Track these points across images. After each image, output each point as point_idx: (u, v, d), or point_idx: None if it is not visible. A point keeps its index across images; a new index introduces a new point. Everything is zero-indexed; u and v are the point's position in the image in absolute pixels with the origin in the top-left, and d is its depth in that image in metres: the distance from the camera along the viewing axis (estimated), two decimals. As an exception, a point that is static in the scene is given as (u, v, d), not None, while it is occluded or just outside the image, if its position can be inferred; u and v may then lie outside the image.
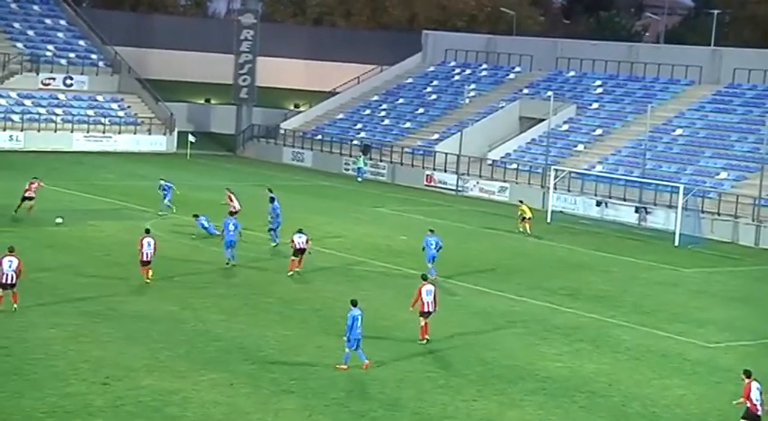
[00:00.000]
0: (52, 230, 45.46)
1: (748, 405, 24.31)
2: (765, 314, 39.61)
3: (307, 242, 40.06)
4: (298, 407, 25.51)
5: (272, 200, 46.58)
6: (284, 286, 38.32)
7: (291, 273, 40.05)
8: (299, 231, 40.36)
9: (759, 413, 24.28)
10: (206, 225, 46.52)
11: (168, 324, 32.09)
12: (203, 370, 27.82)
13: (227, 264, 40.70)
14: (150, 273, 37.21)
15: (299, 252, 39.94)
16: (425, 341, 31.62)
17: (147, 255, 36.91)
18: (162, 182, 52.48)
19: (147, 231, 38.29)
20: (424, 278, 32.49)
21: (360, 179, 73.91)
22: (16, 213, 47.98)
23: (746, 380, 24.63)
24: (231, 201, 50.24)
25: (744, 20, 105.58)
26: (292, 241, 40.09)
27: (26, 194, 48.47)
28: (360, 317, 28.41)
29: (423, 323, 31.60)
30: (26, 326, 30.89)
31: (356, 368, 28.54)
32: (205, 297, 35.78)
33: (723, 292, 43.30)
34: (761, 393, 24.59)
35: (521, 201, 55.63)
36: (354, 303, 28.78)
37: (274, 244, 45.20)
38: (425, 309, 31.44)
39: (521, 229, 53.60)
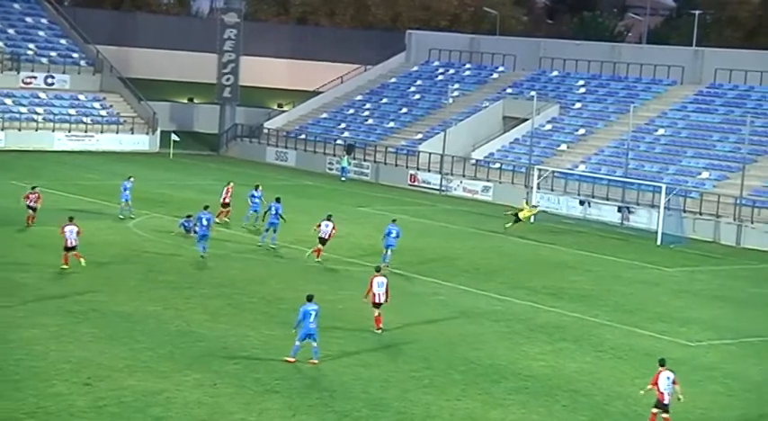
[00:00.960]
0: (35, 230, 45.30)
1: (657, 393, 24.82)
2: (747, 313, 39.80)
3: (332, 231, 42.34)
4: (282, 407, 25.51)
5: (277, 200, 46.45)
6: (267, 287, 38.31)
7: (319, 259, 42.45)
8: (328, 218, 42.70)
9: (666, 402, 24.84)
10: (188, 226, 46.57)
11: (151, 324, 32.03)
12: (187, 370, 27.78)
13: (202, 257, 41.29)
14: (83, 260, 38.50)
15: (323, 241, 42.23)
16: (381, 331, 32.39)
17: (70, 241, 38.55)
18: (126, 182, 51.89)
19: (71, 219, 39.51)
20: (378, 270, 33.27)
21: (344, 179, 73.90)
22: (29, 226, 45.83)
23: (659, 369, 25.15)
24: (227, 193, 50.74)
25: (725, 20, 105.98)
26: (318, 226, 42.16)
27: (29, 204, 46.10)
28: (314, 313, 28.57)
29: (376, 314, 32.43)
30: (8, 326, 30.77)
31: (302, 362, 28.58)
32: (188, 297, 35.72)
33: (705, 291, 43.48)
34: (672, 383, 25.12)
35: (525, 202, 56.05)
36: (310, 298, 28.96)
37: (261, 244, 45.30)
38: (376, 301, 32.39)
39: (506, 225, 53.71)
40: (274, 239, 45.06)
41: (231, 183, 52.14)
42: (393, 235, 41.84)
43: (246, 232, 48.44)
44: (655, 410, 25.10)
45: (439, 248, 47.31)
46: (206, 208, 42.90)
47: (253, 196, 49.85)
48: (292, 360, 28.60)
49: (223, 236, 47.36)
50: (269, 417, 24.78)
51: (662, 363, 25.29)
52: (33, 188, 47.43)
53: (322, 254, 42.83)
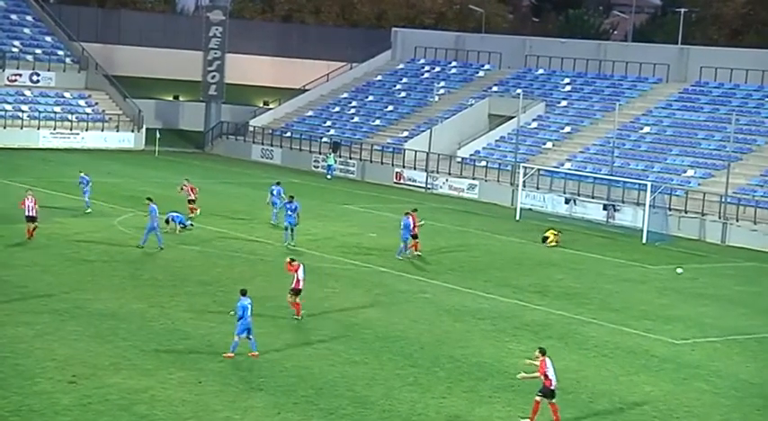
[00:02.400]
0: (20, 228, 45.12)
1: (544, 380, 24.95)
2: (732, 311, 39.89)
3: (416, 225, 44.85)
4: (267, 405, 25.46)
5: (291, 198, 46.78)
6: (253, 284, 38.18)
7: (418, 253, 44.91)
8: (413, 211, 45.57)
9: (553, 388, 25.02)
10: (179, 220, 46.83)
11: (136, 322, 31.95)
12: (171, 368, 27.71)
13: (139, 247, 42.46)
14: (34, 232, 41.94)
15: (414, 236, 44.83)
16: (302, 317, 33.08)
17: (29, 209, 42.09)
18: (81, 175, 51.86)
19: (28, 191, 43.27)
20: (292, 258, 34.20)
21: (329, 176, 73.86)
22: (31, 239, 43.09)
23: (542, 357, 25.22)
24: (192, 192, 50.85)
25: (710, 18, 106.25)
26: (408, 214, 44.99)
27: (28, 213, 43.10)
28: (249, 307, 28.93)
29: (297, 300, 33.15)
30: (-8, 324, 30.70)
31: (242, 354, 28.54)
32: (173, 295, 35.64)
33: (690, 289, 43.56)
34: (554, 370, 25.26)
35: (552, 229, 52.68)
36: (244, 292, 29.32)
37: (287, 243, 45.47)
38: (299, 287, 33.20)
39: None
40: (287, 237, 45.74)
41: (186, 180, 52.11)
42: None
43: (237, 232, 48.36)
44: (539, 398, 25.07)
45: (426, 246, 47.24)
46: (150, 199, 43.46)
47: (281, 203, 49.57)
48: (231, 355, 28.80)
49: (210, 235, 47.30)
50: (254, 415, 24.73)
51: (543, 352, 25.40)
52: (29, 192, 44.78)
53: (418, 247, 45.27)
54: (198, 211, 50.50)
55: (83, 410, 24.23)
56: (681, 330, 35.95)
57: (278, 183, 52.72)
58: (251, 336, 28.99)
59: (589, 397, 28.00)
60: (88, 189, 50.90)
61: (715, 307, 40.33)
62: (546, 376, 24.92)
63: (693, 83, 73.21)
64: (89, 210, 50.27)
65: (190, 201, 50.67)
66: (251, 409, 25.07)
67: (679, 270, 29.51)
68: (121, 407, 24.56)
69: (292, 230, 45.61)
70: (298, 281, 33.30)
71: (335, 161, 75.31)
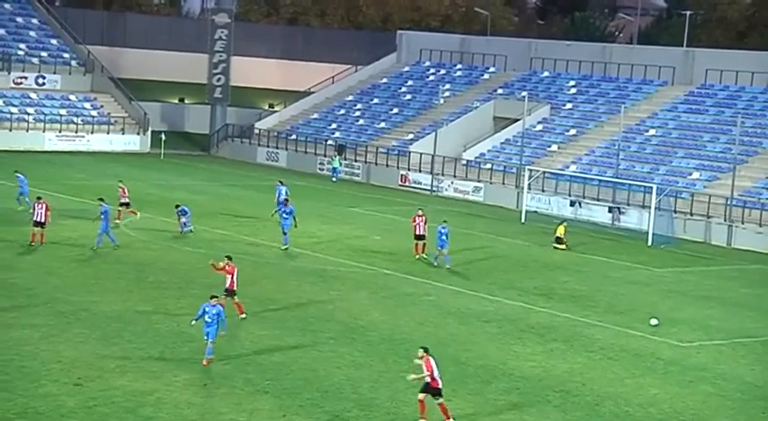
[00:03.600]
0: (26, 231, 45.18)
1: (429, 380, 24.81)
2: (737, 313, 39.85)
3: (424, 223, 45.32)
4: (272, 408, 25.47)
5: (281, 182, 47.24)
6: (259, 287, 38.26)
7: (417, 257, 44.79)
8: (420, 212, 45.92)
9: (440, 387, 24.94)
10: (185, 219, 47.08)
11: (142, 324, 31.98)
12: (177, 370, 27.73)
13: (93, 248, 42.32)
14: (44, 239, 41.94)
15: (419, 237, 45.33)
16: (245, 316, 33.16)
17: (38, 215, 42.09)
18: (18, 175, 51.71)
19: (39, 198, 43.10)
20: (230, 258, 33.71)
21: (335, 179, 73.90)
22: (33, 245, 42.42)
23: (426, 356, 24.93)
24: (124, 193, 49.85)
25: (715, 21, 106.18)
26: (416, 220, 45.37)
27: (36, 219, 42.45)
28: (220, 314, 28.35)
29: (237, 300, 33.26)
30: (-2, 326, 30.75)
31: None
32: (179, 297, 35.67)
33: (695, 292, 43.53)
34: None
35: (563, 222, 52.67)
36: (214, 296, 28.98)
37: (285, 246, 45.16)
38: (233, 288, 33.22)
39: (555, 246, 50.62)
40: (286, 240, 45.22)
41: (120, 183, 50.65)
42: (444, 237, 43.62)
43: (242, 234, 48.37)
44: (422, 396, 24.84)
45: (430, 249, 47.20)
46: (101, 200, 43.71)
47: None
48: (206, 363, 28.21)
49: (215, 237, 47.34)
50: (259, 418, 24.75)
51: (426, 350, 25.16)
52: (39, 198, 43.79)
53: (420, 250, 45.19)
54: (137, 215, 49.72)
55: (88, 412, 24.26)
56: (686, 333, 35.92)
57: (281, 182, 52.98)
58: (211, 343, 28.29)
59: (594, 399, 27.98)
60: (25, 188, 50.83)
61: (720, 309, 40.30)
62: (432, 377, 24.77)
63: (699, 85, 73.16)
64: (24, 209, 48.85)
65: (122, 205, 49.10)
66: (256, 412, 25.09)
67: (653, 321, 27.85)
68: (127, 410, 24.58)
69: (285, 233, 45.25)
70: (232, 282, 33.09)
71: (341, 164, 75.36)
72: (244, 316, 33.12)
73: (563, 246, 50.74)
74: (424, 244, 45.35)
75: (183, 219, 47.05)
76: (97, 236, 42.63)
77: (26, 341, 29.41)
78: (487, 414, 26.21)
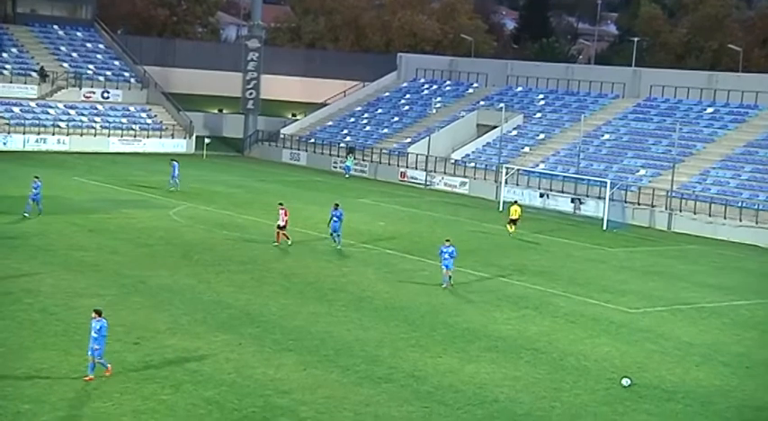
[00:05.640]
0: (94, 217, 45.27)
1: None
2: (676, 285, 39.82)
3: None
4: (295, 362, 25.49)
5: (335, 206, 41.58)
6: (283, 264, 38.27)
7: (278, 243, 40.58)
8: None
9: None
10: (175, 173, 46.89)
11: (188, 294, 32.00)
12: (217, 332, 27.76)
13: (25, 216, 42.48)
14: (39, 212, 42.31)
15: (513, 222, 45.65)
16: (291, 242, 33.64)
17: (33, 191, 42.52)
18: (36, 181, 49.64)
19: (36, 177, 43.36)
20: (281, 204, 34.70)
21: (347, 176, 73.77)
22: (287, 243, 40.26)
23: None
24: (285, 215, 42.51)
25: (658, 45, 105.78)
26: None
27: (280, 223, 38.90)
28: (102, 328, 22.97)
29: (284, 232, 34.50)
30: (72, 296, 30.76)
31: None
32: (218, 272, 35.67)
33: (642, 268, 43.49)
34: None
35: (515, 202, 50.23)
36: (99, 313, 23.28)
37: (336, 245, 41.15)
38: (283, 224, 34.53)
39: (509, 231, 48.20)
40: (337, 242, 41.24)
41: (281, 205, 42.05)
42: (447, 255, 35.10)
43: (270, 220, 48.42)
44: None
45: (425, 233, 47.24)
46: (36, 177, 43.79)
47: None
48: (89, 378, 22.84)
49: (247, 223, 47.30)
50: (285, 371, 24.78)
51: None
52: (280, 205, 40.46)
53: (282, 237, 40.60)
54: (290, 241, 41.15)
55: (145, 366, 24.31)
56: (634, 301, 35.91)
57: (173, 160, 52.12)
58: (98, 359, 22.87)
59: (559, 355, 28.00)
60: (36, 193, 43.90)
61: (662, 282, 40.27)
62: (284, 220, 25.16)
63: (645, 98, 72.97)
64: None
65: (280, 228, 41.33)
66: (282, 366, 25.12)
67: (625, 382, 23.94)
68: (176, 364, 24.63)
69: (278, 233, 40.85)
70: (285, 220, 35.06)
71: (353, 163, 75.20)
72: (290, 242, 35.07)
73: (512, 229, 47.78)
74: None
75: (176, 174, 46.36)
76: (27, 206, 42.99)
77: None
78: (471, 367, 26.24)
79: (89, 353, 22.93)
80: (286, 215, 40.74)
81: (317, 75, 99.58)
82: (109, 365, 23.29)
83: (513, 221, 48.87)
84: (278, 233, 40.76)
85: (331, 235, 41.56)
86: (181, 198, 53.24)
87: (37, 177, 44.85)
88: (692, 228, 55.86)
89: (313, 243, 42.71)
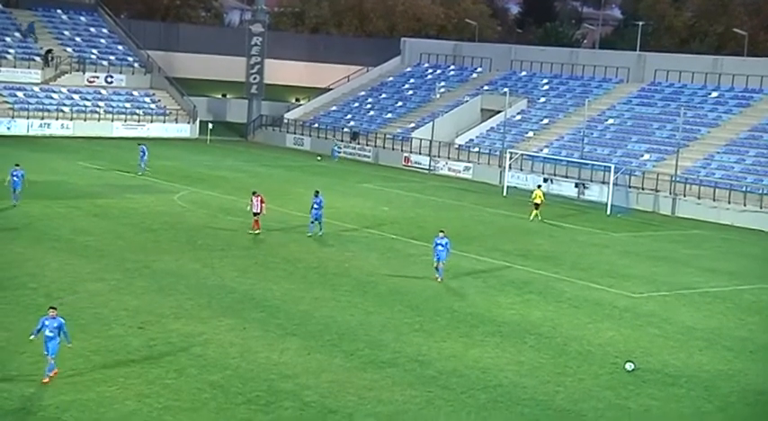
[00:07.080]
0: (98, 202, 45.27)
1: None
2: (679, 270, 39.81)
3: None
4: (299, 347, 25.53)
5: (316, 194, 40.81)
6: (287, 249, 38.28)
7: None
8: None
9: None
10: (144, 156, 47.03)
11: (193, 279, 32.04)
12: (221, 316, 27.80)
13: (14, 205, 41.98)
14: (17, 202, 41.48)
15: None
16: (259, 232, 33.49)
17: (13, 182, 41.62)
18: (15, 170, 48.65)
19: (17, 165, 42.49)
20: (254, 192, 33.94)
21: (336, 160, 73.25)
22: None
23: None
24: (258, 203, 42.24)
25: (663, 30, 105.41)
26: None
27: (254, 210, 39.10)
28: (58, 327, 21.62)
29: (256, 219, 34.52)
30: (76, 280, 30.82)
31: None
32: (222, 257, 35.71)
33: (646, 253, 43.47)
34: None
35: (539, 186, 50.54)
36: (54, 308, 22.02)
37: (318, 232, 40.35)
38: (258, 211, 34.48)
39: (531, 217, 48.53)
40: (319, 229, 40.36)
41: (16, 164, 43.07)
42: (441, 248, 33.33)
43: (274, 205, 48.42)
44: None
45: (428, 217, 47.23)
46: (17, 165, 43.20)
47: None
48: (47, 380, 21.57)
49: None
50: (289, 355, 24.81)
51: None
52: (255, 193, 40.00)
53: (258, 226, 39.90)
54: (258, 232, 40.14)
55: (149, 351, 24.36)
56: (637, 286, 35.91)
57: (140, 144, 52.34)
58: (51, 357, 21.54)
59: (563, 340, 28.02)
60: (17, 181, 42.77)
61: (666, 267, 40.26)
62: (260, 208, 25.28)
63: (649, 83, 72.78)
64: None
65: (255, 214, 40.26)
66: (286, 350, 25.16)
67: (629, 366, 23.46)
68: (181, 348, 24.68)
69: (320, 222, 40.39)
70: (259, 207, 36.12)
71: (340, 148, 74.82)
72: (258, 232, 34.35)
73: (535, 213, 48.49)
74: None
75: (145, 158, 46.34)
76: (12, 194, 42.48)
77: (98, 292, 29.51)
78: (475, 352, 26.27)
79: (46, 352, 21.47)
80: (262, 202, 40.16)
81: (320, 59, 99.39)
82: (56, 369, 21.68)
83: (536, 205, 49.17)
84: (255, 221, 40.29)
85: (312, 222, 40.45)
86: (185, 183, 53.21)
87: (18, 165, 43.49)
88: (696, 212, 55.80)
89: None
